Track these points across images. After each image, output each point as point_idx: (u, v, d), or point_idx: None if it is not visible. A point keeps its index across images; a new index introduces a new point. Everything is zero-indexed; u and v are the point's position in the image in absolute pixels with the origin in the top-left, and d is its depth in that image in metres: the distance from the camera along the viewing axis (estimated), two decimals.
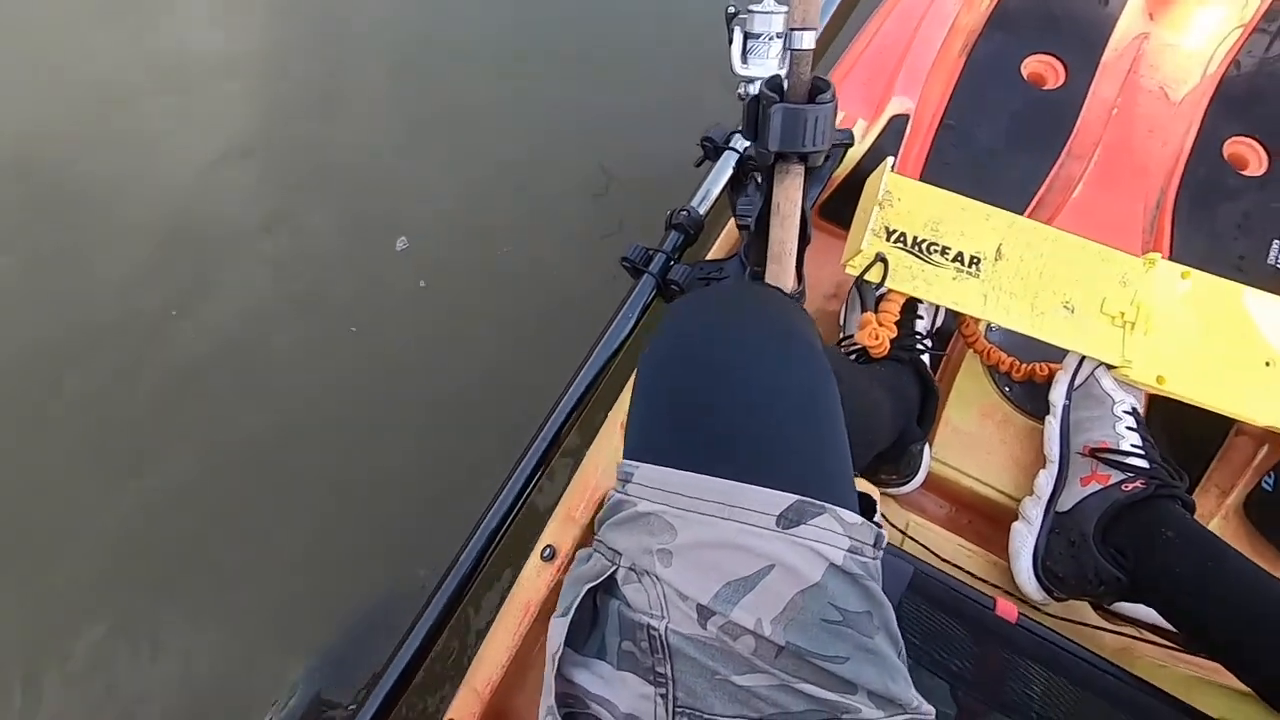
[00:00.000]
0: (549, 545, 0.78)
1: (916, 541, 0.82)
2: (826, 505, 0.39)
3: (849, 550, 0.40)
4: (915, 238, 0.79)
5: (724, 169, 0.87)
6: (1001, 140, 1.02)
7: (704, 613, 0.38)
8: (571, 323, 1.22)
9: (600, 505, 0.80)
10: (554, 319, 1.25)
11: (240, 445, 1.17)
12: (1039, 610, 0.77)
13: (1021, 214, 0.83)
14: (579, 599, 0.42)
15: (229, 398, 1.20)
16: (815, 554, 0.38)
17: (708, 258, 0.93)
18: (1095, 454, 0.75)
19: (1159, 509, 0.69)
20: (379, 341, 1.25)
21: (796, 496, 0.39)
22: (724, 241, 0.96)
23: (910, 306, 0.85)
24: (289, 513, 1.13)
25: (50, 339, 1.24)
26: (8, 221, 1.35)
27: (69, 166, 1.40)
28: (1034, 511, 0.77)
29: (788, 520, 0.38)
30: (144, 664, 1.03)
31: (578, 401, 0.75)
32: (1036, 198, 0.99)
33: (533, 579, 0.77)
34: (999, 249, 0.79)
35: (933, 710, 0.43)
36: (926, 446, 0.84)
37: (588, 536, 0.81)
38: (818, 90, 0.64)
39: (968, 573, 0.80)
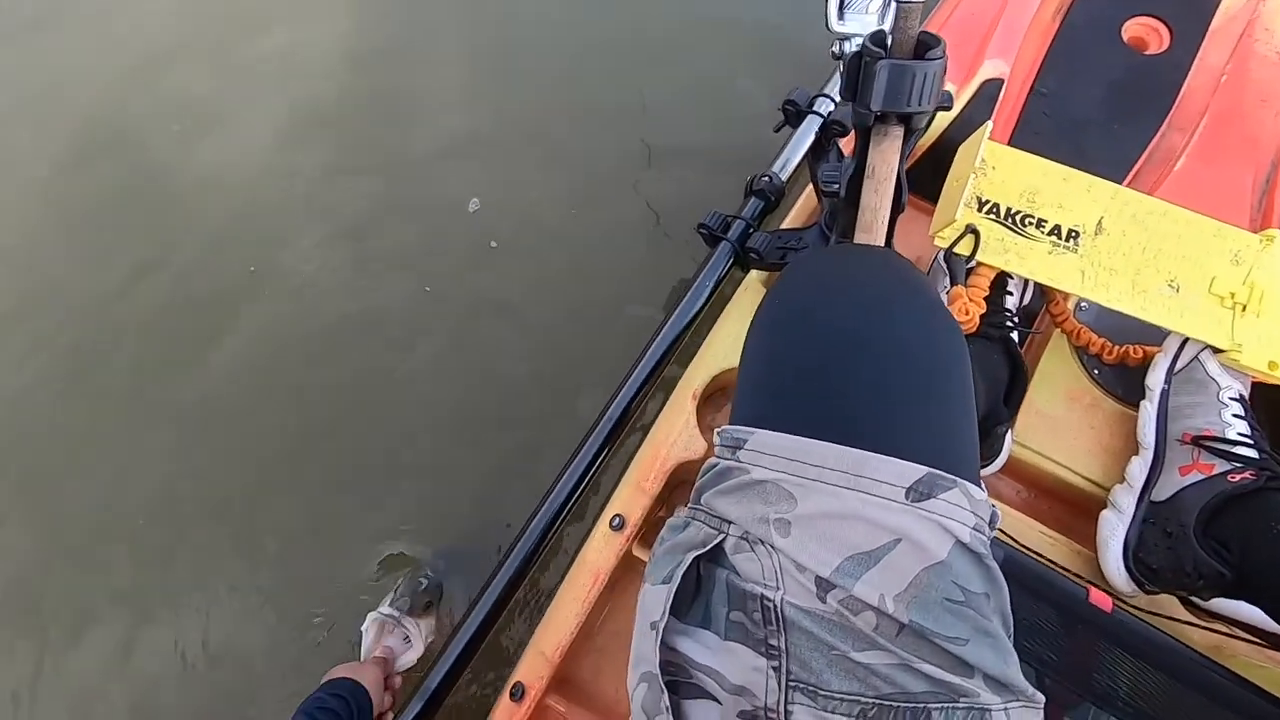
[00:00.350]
0: (618, 514, 0.78)
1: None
2: (956, 479, 0.37)
3: (974, 528, 0.38)
4: (1009, 209, 0.75)
5: (806, 134, 0.84)
6: (1097, 109, 0.96)
7: (823, 585, 0.36)
8: (640, 284, 1.22)
9: (669, 476, 0.80)
10: (624, 279, 1.24)
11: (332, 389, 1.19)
12: (1126, 602, 0.74)
13: None
14: (682, 567, 0.40)
15: (317, 350, 1.23)
16: (943, 530, 0.37)
17: (783, 226, 0.90)
18: (1198, 442, 0.71)
19: (1270, 501, 0.65)
20: (450, 301, 1.25)
21: (927, 469, 0.37)
22: (800, 210, 0.93)
23: (999, 282, 0.81)
24: (369, 455, 1.15)
25: (154, 297, 1.28)
26: (97, 193, 1.39)
27: (150, 140, 1.44)
28: (1125, 500, 0.73)
29: (917, 493, 0.37)
30: (265, 562, 1.08)
31: (652, 370, 0.74)
32: (1134, 170, 0.93)
33: (600, 548, 0.77)
34: (1100, 222, 0.74)
35: (1044, 698, 0.41)
36: (1010, 430, 0.81)
37: (657, 507, 0.80)
38: (926, 46, 0.60)
39: (1048, 560, 0.77)
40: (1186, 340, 0.76)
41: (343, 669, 0.69)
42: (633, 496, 0.78)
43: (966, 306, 0.75)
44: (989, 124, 0.74)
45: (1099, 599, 0.63)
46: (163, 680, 1.02)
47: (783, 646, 0.37)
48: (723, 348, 0.85)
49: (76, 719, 1.01)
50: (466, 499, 1.09)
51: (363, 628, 0.79)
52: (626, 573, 0.80)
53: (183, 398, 1.20)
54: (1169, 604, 0.75)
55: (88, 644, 1.04)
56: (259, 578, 1.07)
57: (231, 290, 1.28)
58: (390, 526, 1.08)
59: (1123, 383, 0.84)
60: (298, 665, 0.99)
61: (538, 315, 1.23)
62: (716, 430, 0.45)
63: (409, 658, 0.76)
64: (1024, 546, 0.77)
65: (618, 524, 0.77)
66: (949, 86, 0.94)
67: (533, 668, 0.73)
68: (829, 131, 0.85)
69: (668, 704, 0.39)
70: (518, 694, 0.72)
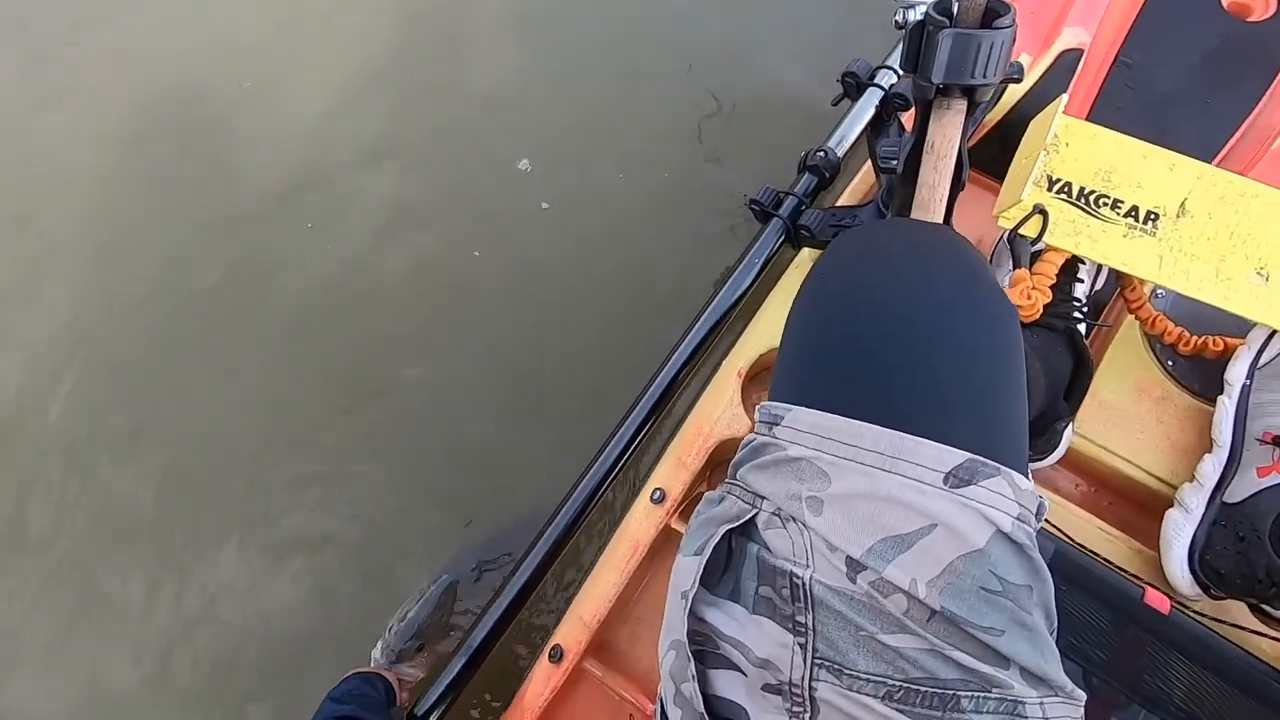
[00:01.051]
0: (658, 488, 0.78)
1: (1047, 520, 0.76)
2: (1000, 466, 0.36)
3: (1017, 518, 0.37)
4: (1082, 189, 0.71)
5: (865, 107, 0.81)
6: (1188, 82, 0.90)
7: (854, 566, 0.36)
8: (686, 257, 1.22)
9: (711, 453, 0.80)
10: (672, 246, 1.24)
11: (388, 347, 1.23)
12: (1187, 605, 0.70)
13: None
14: (714, 540, 0.41)
15: (366, 309, 1.27)
16: (983, 518, 0.36)
17: (838, 204, 0.87)
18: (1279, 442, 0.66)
19: None
20: (501, 262, 1.27)
21: (969, 455, 0.36)
22: (856, 188, 0.90)
23: (1069, 269, 0.77)
24: (416, 421, 1.19)
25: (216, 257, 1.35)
26: (167, 154, 1.47)
27: (218, 104, 1.50)
28: (1194, 500, 0.70)
29: (957, 479, 0.36)
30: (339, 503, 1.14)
31: (697, 346, 0.74)
32: (1226, 149, 0.87)
33: (640, 520, 0.78)
34: (1183, 204, 0.70)
35: (1084, 695, 0.40)
36: (1070, 424, 0.77)
37: (698, 482, 0.80)
38: (994, 14, 0.57)
39: (1103, 558, 0.74)
40: (1275, 333, 0.71)
41: (357, 670, 0.74)
42: (674, 471, 0.79)
43: (1029, 291, 0.72)
44: (1064, 97, 0.70)
45: (1156, 600, 0.61)
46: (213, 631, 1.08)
47: (810, 624, 0.37)
48: (770, 326, 0.84)
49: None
50: (511, 462, 1.12)
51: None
52: (665, 545, 0.81)
53: (234, 356, 1.25)
54: (1236, 610, 0.71)
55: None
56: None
57: (285, 247, 1.32)
58: (435, 485, 1.11)
59: (1198, 375, 0.79)
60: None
61: (583, 287, 1.24)
62: (757, 406, 0.45)
63: (409, 679, 0.82)
64: (1077, 542, 0.74)
65: (658, 497, 0.78)
66: (1021, 57, 0.89)
67: (571, 632, 0.75)
68: (890, 105, 0.82)
69: (694, 672, 0.40)
70: (556, 656, 0.74)
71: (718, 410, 0.80)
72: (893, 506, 0.36)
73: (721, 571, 0.42)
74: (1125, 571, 0.73)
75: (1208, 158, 0.85)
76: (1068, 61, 0.87)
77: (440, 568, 1.03)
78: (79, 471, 1.19)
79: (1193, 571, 0.68)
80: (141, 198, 1.42)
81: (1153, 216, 0.70)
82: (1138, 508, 0.79)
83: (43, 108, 1.52)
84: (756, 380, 0.88)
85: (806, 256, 0.87)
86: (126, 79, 1.53)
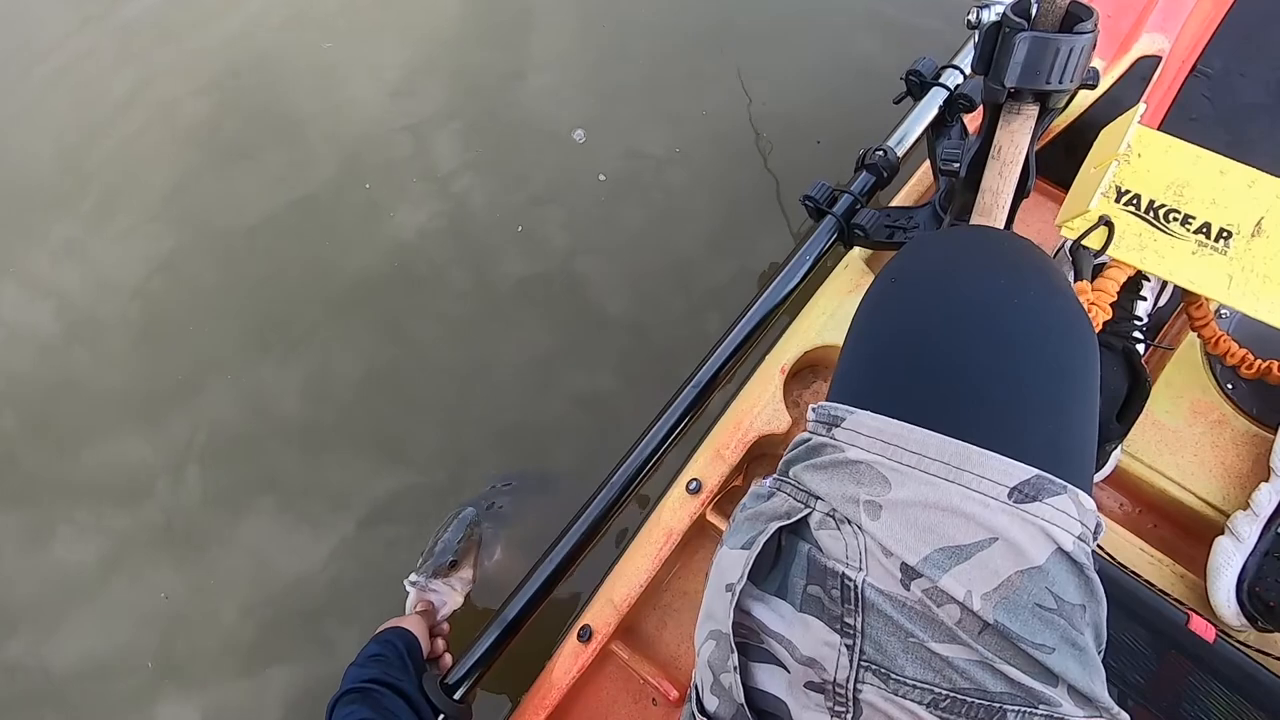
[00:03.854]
0: (694, 479, 0.79)
1: None
2: (1067, 485, 0.36)
3: (1079, 537, 0.36)
4: (1152, 201, 0.69)
5: (928, 107, 0.80)
6: (1270, 94, 0.86)
7: (909, 573, 0.36)
8: (745, 228, 1.21)
9: (749, 448, 0.80)
10: (730, 220, 1.23)
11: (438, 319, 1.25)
12: (1231, 635, 0.69)
13: None
14: (764, 536, 0.41)
15: (415, 278, 1.29)
16: (1045, 535, 0.35)
17: (893, 204, 0.86)
18: None
19: None
20: (557, 234, 1.28)
21: (1036, 471, 0.35)
22: (912, 189, 0.89)
23: (1132, 285, 0.75)
24: (456, 392, 1.21)
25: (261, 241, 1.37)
26: (227, 136, 1.49)
27: (276, 89, 1.52)
28: (1247, 529, 0.68)
29: (1022, 495, 0.35)
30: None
31: (744, 339, 0.74)
32: None
33: (675, 509, 0.79)
34: (1260, 223, 0.67)
35: (1128, 718, 0.39)
36: (1120, 446, 0.75)
37: (734, 475, 0.81)
38: (1076, 18, 0.56)
39: (1146, 581, 0.73)
40: None
41: (387, 624, 0.75)
42: (711, 463, 0.79)
43: (1089, 306, 0.70)
44: (1141, 106, 0.68)
45: (1200, 627, 0.60)
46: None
47: (859, 626, 0.37)
48: (816, 324, 0.83)
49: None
50: (543, 433, 1.13)
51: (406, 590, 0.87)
52: (698, 535, 0.82)
53: (283, 329, 1.28)
54: (1276, 642, 0.70)
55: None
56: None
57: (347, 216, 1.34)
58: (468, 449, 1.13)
59: (1259, 401, 0.77)
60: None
61: (629, 274, 1.23)
62: (812, 406, 0.44)
63: (446, 611, 0.82)
64: (1119, 562, 0.73)
65: (694, 488, 0.79)
66: (1097, 62, 0.86)
67: (601, 614, 0.77)
68: (954, 106, 0.81)
69: (736, 664, 0.41)
70: (585, 636, 0.76)
71: (759, 405, 0.80)
72: (953, 517, 0.36)
73: (769, 567, 0.42)
74: (1168, 596, 0.72)
75: None
76: (1143, 68, 0.85)
77: (459, 503, 1.05)
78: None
79: (1240, 601, 0.66)
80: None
81: (1225, 234, 0.67)
82: (1183, 531, 0.77)
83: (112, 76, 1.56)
84: (798, 377, 0.88)
85: (857, 255, 0.86)
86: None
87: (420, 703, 0.66)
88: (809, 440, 0.43)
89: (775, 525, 0.41)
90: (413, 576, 0.84)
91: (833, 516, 0.39)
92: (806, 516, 0.40)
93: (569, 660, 0.75)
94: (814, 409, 0.44)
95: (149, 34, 1.62)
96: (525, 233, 1.29)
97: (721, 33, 1.42)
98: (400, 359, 1.24)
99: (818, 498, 0.40)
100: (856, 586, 0.37)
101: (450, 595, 0.83)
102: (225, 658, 1.06)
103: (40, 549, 1.16)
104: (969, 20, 0.69)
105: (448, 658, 0.76)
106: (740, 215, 1.26)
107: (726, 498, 0.82)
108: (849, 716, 0.37)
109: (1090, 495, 0.37)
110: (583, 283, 1.25)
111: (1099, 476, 0.76)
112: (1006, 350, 0.38)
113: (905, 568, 0.36)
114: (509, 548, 0.98)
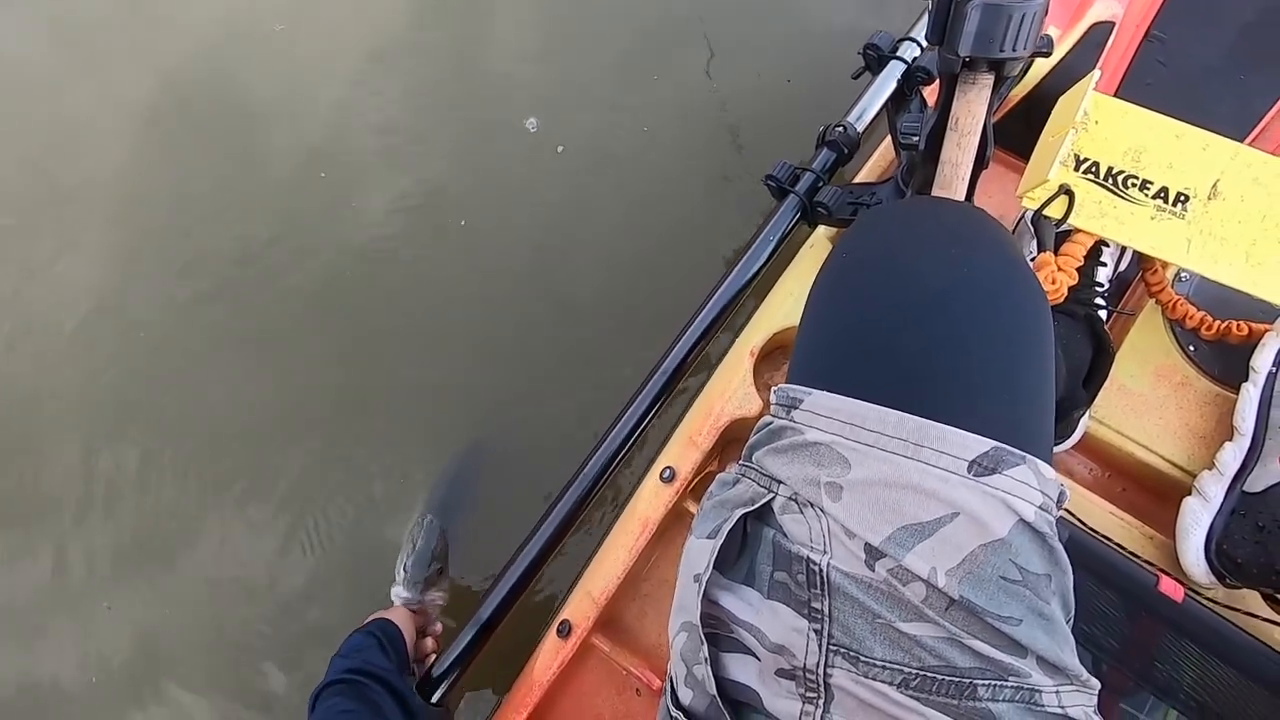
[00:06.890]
0: (668, 467, 0.78)
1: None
2: (1026, 455, 0.35)
3: (1040, 507, 0.36)
4: (1111, 169, 0.69)
5: (887, 81, 0.79)
6: (1222, 57, 0.87)
7: (872, 553, 0.36)
8: (706, 212, 1.20)
9: (722, 433, 0.79)
10: (694, 207, 1.22)
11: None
12: (1200, 594, 0.70)
13: None
14: (729, 524, 0.40)
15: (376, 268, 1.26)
16: (1006, 507, 0.35)
17: (856, 181, 0.86)
18: None
19: None
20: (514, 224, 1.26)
21: (994, 443, 0.35)
22: (874, 164, 0.88)
23: (1093, 252, 0.75)
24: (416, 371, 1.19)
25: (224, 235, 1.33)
26: (179, 135, 1.44)
27: (229, 85, 1.47)
28: (1213, 488, 0.69)
29: (981, 468, 0.35)
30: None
31: (711, 323, 0.73)
32: (1259, 127, 0.84)
33: (650, 499, 0.78)
34: (1215, 185, 0.68)
35: (1098, 684, 0.39)
36: (1087, 412, 0.76)
37: (708, 461, 0.80)
38: None
39: (1116, 544, 0.74)
40: None
41: (373, 615, 0.74)
42: (684, 450, 0.79)
43: (1054, 275, 0.70)
44: (1096, 72, 0.67)
45: (1169, 588, 0.60)
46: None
47: (826, 610, 0.37)
48: (783, 305, 0.82)
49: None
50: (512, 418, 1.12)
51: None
52: (675, 524, 0.81)
53: (238, 320, 1.24)
54: (1251, 600, 0.71)
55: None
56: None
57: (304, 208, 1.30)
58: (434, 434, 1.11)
59: (1220, 361, 0.78)
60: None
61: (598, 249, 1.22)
62: (773, 389, 0.44)
63: (437, 613, 0.82)
64: (1090, 528, 0.74)
65: (668, 476, 0.78)
66: (1051, 30, 0.86)
67: (580, 608, 0.76)
68: (912, 79, 0.80)
69: (706, 655, 0.40)
70: (564, 631, 0.75)
71: (729, 389, 0.79)
72: (914, 494, 0.35)
73: (736, 555, 0.41)
74: (1138, 558, 0.73)
75: (1240, 137, 0.83)
76: (1097, 35, 0.84)
77: (418, 512, 1.04)
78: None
79: (1209, 560, 0.67)
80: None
81: (1183, 198, 0.68)
82: (1152, 494, 0.78)
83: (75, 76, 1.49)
84: (769, 360, 0.87)
85: (822, 235, 0.86)
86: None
87: (405, 692, 0.65)
88: (770, 424, 0.42)
89: (740, 512, 0.40)
90: (401, 591, 0.84)
91: (795, 500, 0.38)
92: (770, 502, 0.40)
93: (549, 657, 0.75)
94: (774, 391, 0.43)
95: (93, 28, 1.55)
96: (489, 218, 1.27)
97: (689, 25, 1.39)
98: (355, 351, 1.21)
99: (780, 482, 0.39)
100: (821, 570, 0.36)
101: (440, 597, 0.84)
102: (195, 671, 1.04)
103: None
104: None
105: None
106: (711, 195, 1.24)
107: (702, 484, 0.81)
108: (820, 702, 0.37)
109: (1050, 464, 0.37)
110: (547, 270, 1.23)
111: (1068, 444, 0.77)
112: (956, 323, 0.38)
113: (869, 548, 0.36)
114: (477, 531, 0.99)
